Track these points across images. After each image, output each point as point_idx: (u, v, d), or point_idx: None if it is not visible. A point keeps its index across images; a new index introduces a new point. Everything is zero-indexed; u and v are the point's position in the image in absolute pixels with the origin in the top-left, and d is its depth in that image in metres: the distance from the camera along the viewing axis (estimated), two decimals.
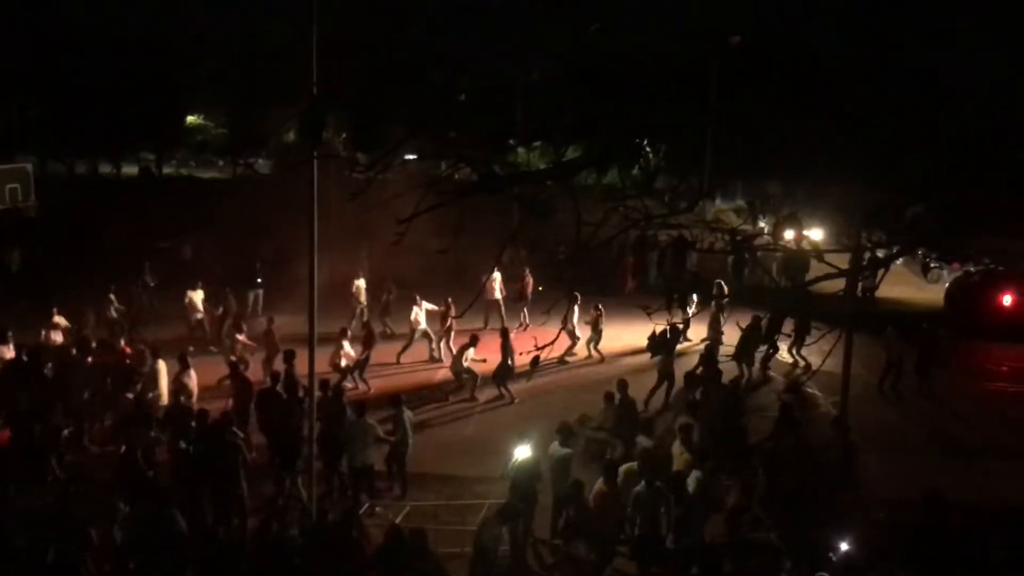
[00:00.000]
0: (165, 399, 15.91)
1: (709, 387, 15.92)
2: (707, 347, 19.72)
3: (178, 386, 15.85)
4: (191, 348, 20.62)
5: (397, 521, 13.25)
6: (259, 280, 25.38)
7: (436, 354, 22.24)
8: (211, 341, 22.08)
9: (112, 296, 22.28)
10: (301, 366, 14.42)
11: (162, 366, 16.40)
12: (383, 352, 21.42)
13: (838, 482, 12.93)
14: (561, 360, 22.03)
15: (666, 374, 18.35)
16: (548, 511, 12.87)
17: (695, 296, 17.81)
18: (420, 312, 22.03)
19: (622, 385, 15.31)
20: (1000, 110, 6.55)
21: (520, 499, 12.31)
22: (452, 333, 21.54)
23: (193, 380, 16.08)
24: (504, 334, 19.66)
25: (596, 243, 5.05)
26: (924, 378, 20.22)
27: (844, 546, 10.69)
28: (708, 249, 5.58)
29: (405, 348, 22.13)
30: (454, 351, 20.09)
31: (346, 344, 19.32)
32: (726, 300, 22.39)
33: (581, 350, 22.57)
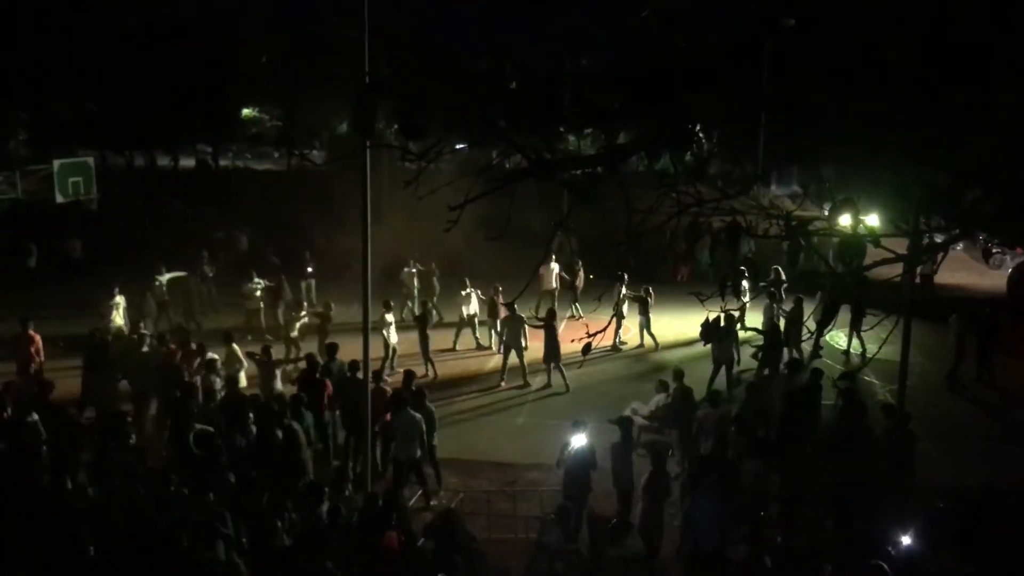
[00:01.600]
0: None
1: (767, 375, 15.82)
2: (766, 334, 19.53)
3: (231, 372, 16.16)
4: (249, 336, 21.01)
5: (452, 506, 13.40)
6: (310, 270, 25.70)
7: (482, 341, 22.34)
8: (267, 330, 22.43)
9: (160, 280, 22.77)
10: (355, 353, 14.53)
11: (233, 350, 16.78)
12: (437, 338, 21.58)
13: (896, 470, 12.75)
14: (614, 347, 21.95)
15: (724, 360, 18.27)
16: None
17: (748, 283, 17.65)
18: (472, 297, 22.17)
19: (677, 374, 15.24)
20: None
21: (575, 488, 12.36)
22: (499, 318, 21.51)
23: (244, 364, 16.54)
24: (549, 315, 19.64)
25: (646, 229, 5.04)
26: (985, 365, 19.80)
27: (901, 535, 10.55)
28: (763, 235, 5.55)
29: (458, 334, 22.31)
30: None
31: (391, 325, 19.51)
32: (784, 286, 22.16)
33: (634, 338, 22.51)
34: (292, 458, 12.82)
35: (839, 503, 12.50)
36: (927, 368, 20.19)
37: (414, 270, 24.55)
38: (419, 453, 13.87)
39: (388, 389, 14.99)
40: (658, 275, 24.00)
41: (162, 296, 22.60)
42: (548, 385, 19.26)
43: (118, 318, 20.79)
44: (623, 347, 22.29)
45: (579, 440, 12.54)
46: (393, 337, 19.66)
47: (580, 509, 12.10)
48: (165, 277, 22.92)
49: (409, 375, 15.26)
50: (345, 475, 13.44)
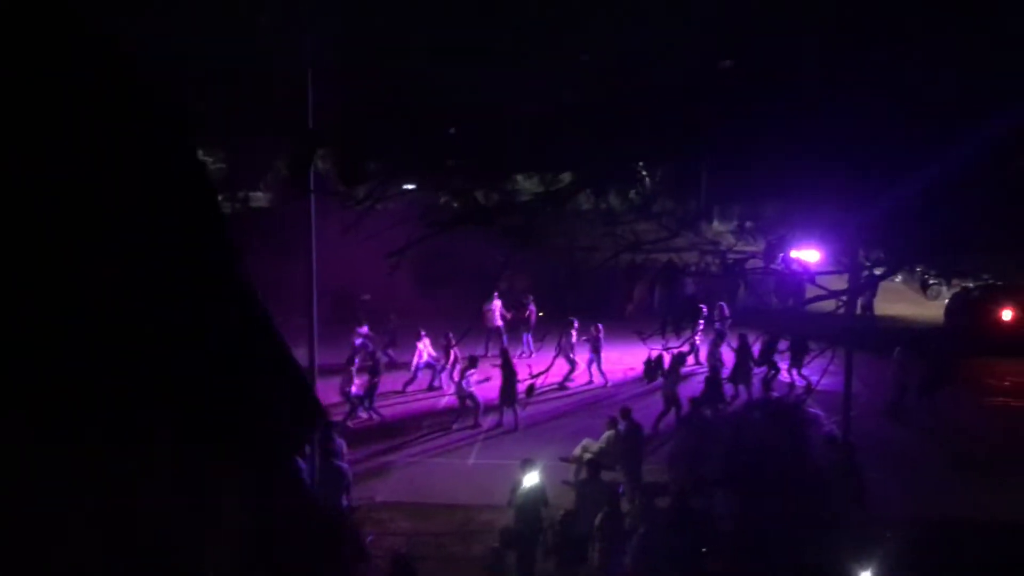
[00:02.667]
0: None
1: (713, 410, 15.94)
2: (710, 370, 19.76)
3: None
4: None
5: (402, 551, 13.23)
6: None
7: (437, 383, 22.20)
8: None
9: None
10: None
11: None
12: (388, 381, 21.37)
13: (843, 502, 12.90)
14: (561, 386, 21.98)
15: (671, 398, 18.37)
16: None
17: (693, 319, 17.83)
18: (424, 345, 22.00)
19: (625, 412, 15.27)
20: (988, 128, 6.60)
21: (526, 526, 12.30)
22: (456, 363, 21.43)
23: None
24: (504, 354, 19.61)
25: (588, 268, 5.09)
26: (931, 397, 20.11)
27: (855, 567, 10.64)
28: (701, 272, 5.63)
29: (411, 380, 22.08)
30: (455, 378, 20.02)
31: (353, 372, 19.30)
32: (728, 322, 22.45)
33: (583, 375, 22.56)
34: None
35: (788, 534, 12.59)
36: (870, 399, 20.50)
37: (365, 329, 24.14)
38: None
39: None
40: (604, 311, 24.14)
41: None
42: (500, 424, 19.19)
43: None
44: (570, 385, 22.27)
45: (530, 479, 12.50)
46: (354, 389, 19.31)
47: (533, 545, 12.06)
48: None
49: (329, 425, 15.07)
50: None
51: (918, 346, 20.66)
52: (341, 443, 14.44)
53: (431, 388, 22.05)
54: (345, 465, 13.82)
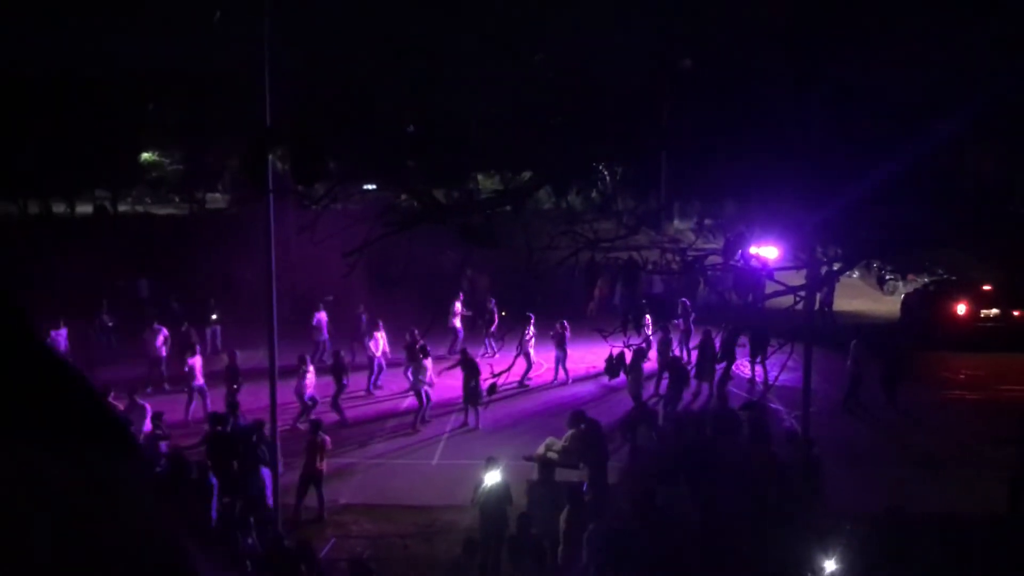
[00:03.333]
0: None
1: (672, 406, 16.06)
2: (669, 365, 19.88)
3: None
4: (148, 389, 20.36)
5: (364, 555, 13.16)
6: (214, 316, 25.10)
7: (380, 383, 22.04)
8: (171, 379, 21.77)
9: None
10: (263, 399, 14.24)
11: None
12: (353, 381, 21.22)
13: (803, 496, 13.04)
14: (520, 384, 21.94)
15: (636, 396, 18.49)
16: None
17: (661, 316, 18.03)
18: (381, 340, 21.86)
19: (577, 415, 15.17)
20: (939, 127, 6.70)
21: (490, 525, 12.29)
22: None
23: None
24: (463, 354, 19.55)
25: (547, 267, 5.08)
26: (891, 392, 20.40)
27: (819, 560, 10.75)
28: (661, 270, 5.65)
29: (375, 378, 21.91)
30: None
31: (309, 373, 19.06)
32: (692, 317, 22.65)
33: (548, 373, 22.62)
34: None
35: (747, 529, 12.71)
36: (829, 394, 20.76)
37: (324, 316, 24.15)
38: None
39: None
40: (566, 310, 24.20)
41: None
42: (465, 424, 19.15)
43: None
44: (529, 383, 22.26)
45: (493, 477, 12.50)
46: (310, 390, 19.10)
47: (499, 544, 12.08)
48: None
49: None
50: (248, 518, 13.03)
51: (875, 341, 20.96)
52: (263, 451, 14.20)
53: (372, 389, 21.86)
54: (266, 471, 13.56)
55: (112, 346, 24.68)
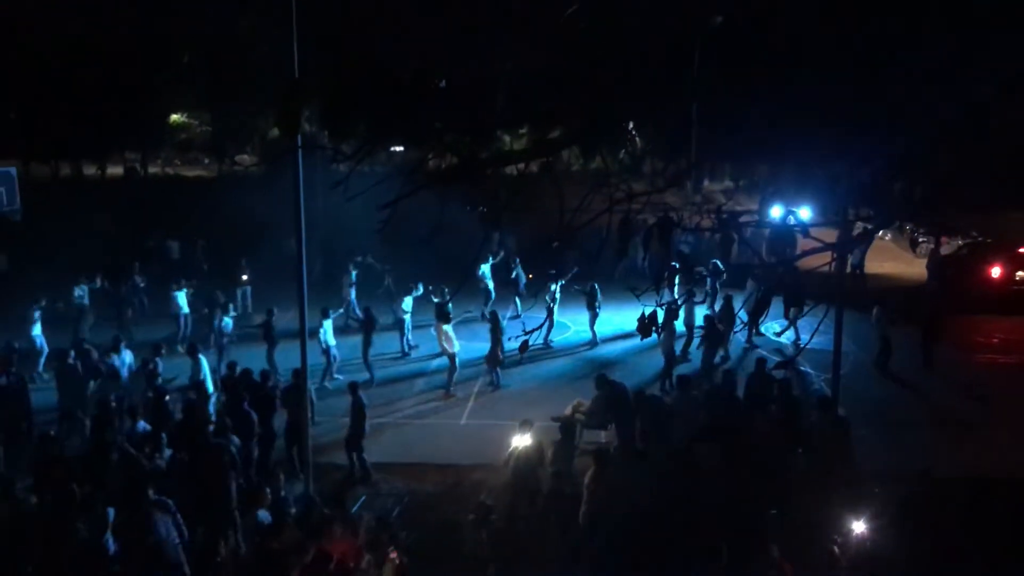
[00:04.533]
0: None
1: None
2: (706, 321, 19.88)
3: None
4: (180, 348, 20.61)
5: (394, 513, 13.32)
6: (245, 277, 25.27)
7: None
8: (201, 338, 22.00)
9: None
10: (292, 359, 14.33)
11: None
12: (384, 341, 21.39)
13: (832, 458, 12.99)
14: (545, 344, 21.98)
15: (669, 354, 18.56)
16: None
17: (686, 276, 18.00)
18: (408, 301, 21.95)
19: (601, 379, 15.18)
20: (970, 86, 6.55)
21: (522, 487, 12.37)
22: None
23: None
24: (494, 318, 19.59)
25: (580, 226, 5.03)
26: (928, 354, 20.24)
27: (849, 521, 10.74)
28: (695, 228, 5.61)
29: (405, 339, 22.05)
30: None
31: (327, 324, 19.29)
32: (723, 278, 22.54)
33: (579, 334, 22.68)
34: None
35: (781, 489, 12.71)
36: (860, 357, 20.63)
37: (351, 280, 24.26)
38: None
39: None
40: (595, 271, 24.13)
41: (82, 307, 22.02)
42: (495, 386, 19.21)
43: (38, 328, 20.28)
44: (552, 344, 22.29)
45: (526, 440, 12.56)
46: (331, 341, 19.34)
47: (532, 505, 12.19)
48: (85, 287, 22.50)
49: None
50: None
51: (909, 305, 20.79)
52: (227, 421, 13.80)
53: (406, 348, 22.03)
54: (228, 441, 12.86)
55: (144, 306, 24.97)
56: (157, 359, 16.72)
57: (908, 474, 12.08)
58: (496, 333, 18.93)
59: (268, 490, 11.48)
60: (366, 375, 19.21)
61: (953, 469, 13.67)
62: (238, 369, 15.85)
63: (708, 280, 22.83)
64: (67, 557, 10.11)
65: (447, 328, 18.78)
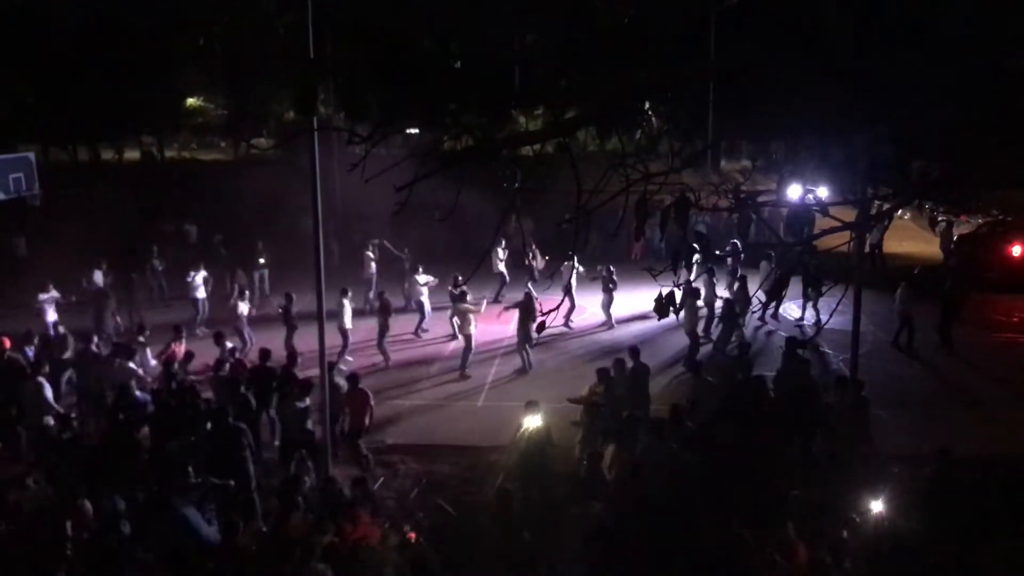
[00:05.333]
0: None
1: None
2: (724, 303, 19.86)
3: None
4: (199, 332, 20.72)
5: (412, 494, 13.38)
6: (262, 260, 25.36)
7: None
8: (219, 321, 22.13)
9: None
10: (311, 342, 14.38)
11: None
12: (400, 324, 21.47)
13: (850, 438, 12.96)
14: (565, 325, 21.99)
15: (689, 332, 18.58)
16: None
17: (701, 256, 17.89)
18: (421, 283, 22.01)
19: (634, 352, 15.27)
20: (997, 58, 6.46)
21: (531, 468, 12.38)
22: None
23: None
24: (528, 297, 19.37)
25: (595, 205, 5.01)
26: (945, 334, 20.11)
27: (867, 502, 10.71)
28: (712, 208, 5.58)
29: (422, 321, 22.13)
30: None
31: (346, 303, 19.39)
32: (742, 258, 22.48)
33: (595, 316, 22.65)
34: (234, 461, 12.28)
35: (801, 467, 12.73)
36: (879, 337, 20.53)
37: (372, 255, 24.36)
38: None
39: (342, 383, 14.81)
40: (611, 253, 24.10)
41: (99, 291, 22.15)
42: (524, 367, 19.24)
43: (52, 314, 20.43)
44: (573, 326, 22.32)
45: (533, 421, 12.56)
46: (348, 323, 19.45)
47: (537, 485, 12.21)
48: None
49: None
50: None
51: (929, 284, 20.64)
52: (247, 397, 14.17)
53: (419, 333, 22.12)
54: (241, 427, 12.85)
55: (164, 291, 25.13)
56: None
57: (927, 455, 12.02)
58: (525, 313, 18.87)
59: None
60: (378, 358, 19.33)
61: (972, 448, 13.60)
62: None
63: (729, 260, 22.77)
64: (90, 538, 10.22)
65: (462, 307, 18.83)
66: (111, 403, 14.53)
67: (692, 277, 16.57)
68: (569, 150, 5.10)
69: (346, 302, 19.35)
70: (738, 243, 22.39)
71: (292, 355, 16.41)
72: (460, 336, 19.44)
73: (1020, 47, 6.87)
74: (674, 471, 11.47)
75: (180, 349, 16.71)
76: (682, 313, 17.50)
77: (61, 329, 19.04)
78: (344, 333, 19.31)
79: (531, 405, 12.78)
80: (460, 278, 20.17)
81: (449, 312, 20.80)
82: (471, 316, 18.93)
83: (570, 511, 11.36)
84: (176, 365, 16.08)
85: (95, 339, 17.17)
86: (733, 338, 19.08)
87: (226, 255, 26.68)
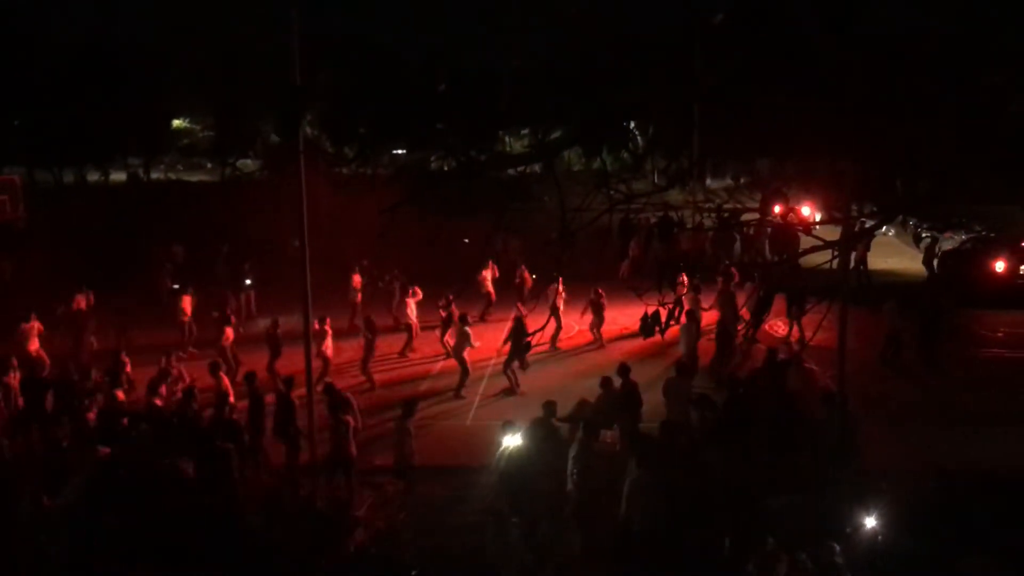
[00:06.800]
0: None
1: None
2: (718, 324, 19.90)
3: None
4: (182, 353, 20.59)
5: (401, 516, 13.30)
6: (248, 281, 25.28)
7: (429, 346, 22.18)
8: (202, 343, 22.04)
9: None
10: (297, 362, 14.34)
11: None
12: (386, 344, 21.42)
13: (839, 455, 12.96)
14: (552, 346, 22.01)
15: (691, 352, 18.64)
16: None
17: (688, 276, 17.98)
18: (412, 304, 22.02)
19: (623, 370, 15.25)
20: (979, 76, 6.54)
21: (511, 489, 12.32)
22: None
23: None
24: (517, 321, 19.37)
25: (580, 226, 5.04)
26: (929, 351, 20.19)
27: (858, 518, 10.71)
28: (696, 228, 5.58)
29: (410, 342, 22.12)
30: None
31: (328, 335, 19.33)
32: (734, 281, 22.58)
33: (582, 335, 22.67)
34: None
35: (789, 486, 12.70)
36: (865, 353, 20.60)
37: (359, 277, 24.36)
38: None
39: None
40: (599, 273, 24.09)
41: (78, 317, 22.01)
42: (513, 387, 19.21)
43: (33, 343, 20.16)
44: (560, 346, 22.34)
45: (513, 440, 12.52)
46: (328, 349, 19.34)
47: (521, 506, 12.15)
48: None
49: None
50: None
51: (914, 300, 20.75)
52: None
53: (406, 352, 22.09)
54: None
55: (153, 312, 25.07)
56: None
57: (916, 470, 12.04)
58: (519, 335, 18.74)
59: None
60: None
61: (961, 464, 13.62)
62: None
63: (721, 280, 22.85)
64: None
65: (466, 330, 18.84)
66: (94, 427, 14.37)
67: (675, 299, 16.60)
68: (553, 172, 5.13)
69: (327, 331, 19.28)
70: (728, 262, 22.52)
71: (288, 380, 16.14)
72: (455, 357, 19.38)
73: (997, 63, 6.96)
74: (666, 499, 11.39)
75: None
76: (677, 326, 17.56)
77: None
78: (325, 358, 19.15)
79: (507, 425, 12.78)
80: (451, 298, 20.16)
81: (440, 331, 20.78)
82: (470, 339, 18.94)
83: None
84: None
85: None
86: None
87: (224, 272, 26.69)
